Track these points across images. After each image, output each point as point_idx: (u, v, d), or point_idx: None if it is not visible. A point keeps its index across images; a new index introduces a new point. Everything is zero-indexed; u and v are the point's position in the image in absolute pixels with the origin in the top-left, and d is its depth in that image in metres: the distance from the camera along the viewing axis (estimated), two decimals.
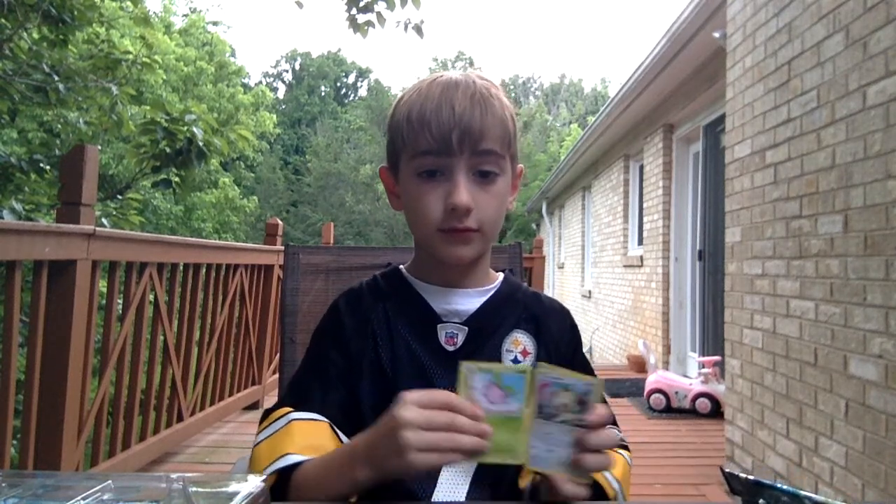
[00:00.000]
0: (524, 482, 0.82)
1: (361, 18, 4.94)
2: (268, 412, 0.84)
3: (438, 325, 0.85)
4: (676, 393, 4.34)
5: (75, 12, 4.79)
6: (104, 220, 4.11)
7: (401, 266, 0.93)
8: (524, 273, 1.34)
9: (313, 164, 26.39)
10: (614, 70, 59.84)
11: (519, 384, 0.66)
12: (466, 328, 0.86)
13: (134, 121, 5.78)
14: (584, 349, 1.00)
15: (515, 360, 0.87)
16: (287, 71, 36.34)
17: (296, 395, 0.84)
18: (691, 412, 4.26)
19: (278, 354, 3.41)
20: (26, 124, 12.96)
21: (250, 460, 0.80)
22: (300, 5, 4.98)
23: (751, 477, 0.62)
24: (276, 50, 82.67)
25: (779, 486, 0.61)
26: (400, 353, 0.84)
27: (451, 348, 0.85)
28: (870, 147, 2.13)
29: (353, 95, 36.04)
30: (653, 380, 4.51)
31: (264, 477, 0.73)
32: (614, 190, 7.74)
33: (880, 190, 2.07)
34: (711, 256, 4.99)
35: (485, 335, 0.87)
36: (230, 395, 3.77)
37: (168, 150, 4.47)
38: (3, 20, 4.41)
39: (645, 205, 6.35)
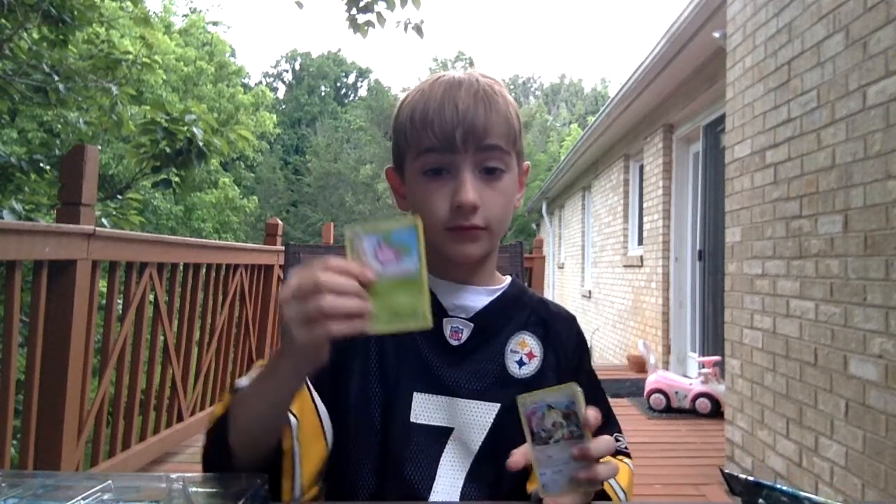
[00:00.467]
0: (532, 486, 0.82)
1: (361, 18, 4.94)
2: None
3: (444, 319, 0.85)
4: (676, 393, 4.34)
5: (75, 12, 4.80)
6: (104, 220, 4.12)
7: None
8: (524, 273, 1.34)
9: (313, 164, 26.38)
10: (614, 70, 59.87)
11: (411, 239, 0.62)
12: (472, 324, 0.85)
13: (134, 121, 5.78)
14: (587, 346, 0.99)
15: (521, 362, 0.87)
16: (287, 71, 36.36)
17: None
18: (691, 412, 4.26)
19: None
20: (26, 124, 12.96)
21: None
22: (300, 5, 4.98)
23: (750, 478, 0.62)
24: (276, 50, 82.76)
25: (778, 486, 0.61)
26: (404, 342, 0.84)
27: (455, 343, 0.84)
28: (870, 147, 2.13)
29: (353, 95, 36.04)
30: (653, 380, 4.51)
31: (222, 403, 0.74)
32: (614, 190, 7.74)
33: (880, 190, 2.07)
34: (711, 256, 4.99)
35: (490, 333, 0.86)
36: None
37: (168, 150, 4.47)
38: (3, 20, 4.41)
39: (645, 205, 6.35)
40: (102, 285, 2.72)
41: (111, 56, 5.31)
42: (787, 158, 2.69)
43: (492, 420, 0.82)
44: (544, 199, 13.22)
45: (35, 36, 4.92)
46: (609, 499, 0.77)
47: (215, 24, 23.06)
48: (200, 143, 4.49)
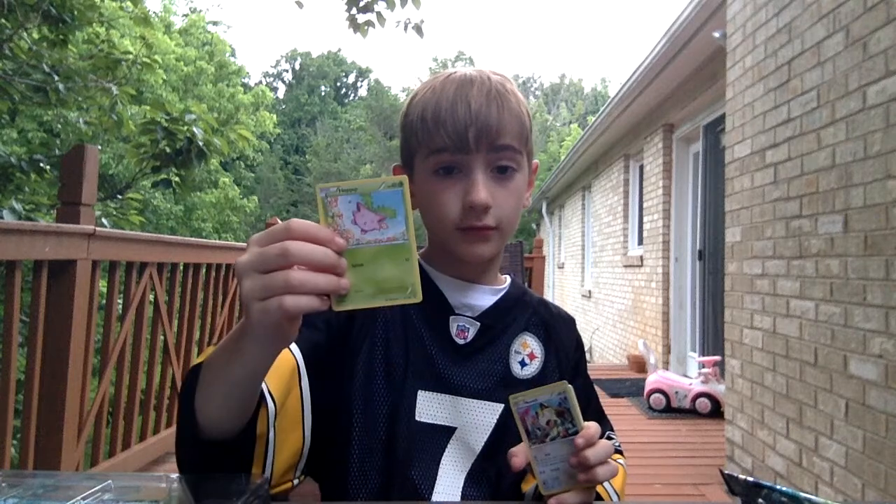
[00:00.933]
0: (527, 486, 0.82)
1: (361, 18, 4.94)
2: None
3: (451, 317, 0.85)
4: (676, 393, 4.34)
5: (75, 12, 4.80)
6: (104, 220, 4.12)
7: None
8: (524, 273, 1.34)
9: (313, 164, 26.39)
10: (614, 70, 59.89)
11: (396, 201, 0.53)
12: (479, 323, 0.85)
13: (134, 121, 5.79)
14: (584, 349, 1.00)
15: (523, 363, 0.87)
16: (287, 71, 36.36)
17: None
18: (691, 412, 4.26)
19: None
20: (26, 124, 12.96)
21: None
22: (300, 5, 4.98)
23: (750, 478, 0.62)
24: (276, 50, 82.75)
25: (778, 487, 0.61)
26: (410, 339, 0.83)
27: (461, 341, 0.84)
28: (870, 147, 2.13)
29: (353, 95, 36.05)
30: (653, 380, 4.51)
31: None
32: (614, 190, 7.74)
33: (880, 190, 2.07)
34: (711, 256, 4.99)
35: (495, 332, 0.87)
36: None
37: (168, 150, 4.47)
38: (3, 20, 4.41)
39: (645, 205, 6.35)
40: (102, 285, 2.72)
41: (111, 56, 5.30)
42: (787, 158, 2.69)
43: (495, 420, 0.82)
44: (544, 199, 13.22)
45: (35, 36, 4.92)
46: (601, 499, 0.77)
47: (215, 24, 23.09)
48: (200, 143, 4.49)
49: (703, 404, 4.22)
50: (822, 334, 2.38)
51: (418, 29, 5.06)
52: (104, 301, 2.63)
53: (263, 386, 0.67)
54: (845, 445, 2.22)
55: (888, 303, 2.01)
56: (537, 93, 33.89)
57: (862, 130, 2.18)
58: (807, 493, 0.61)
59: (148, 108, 4.81)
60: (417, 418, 0.80)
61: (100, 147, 10.75)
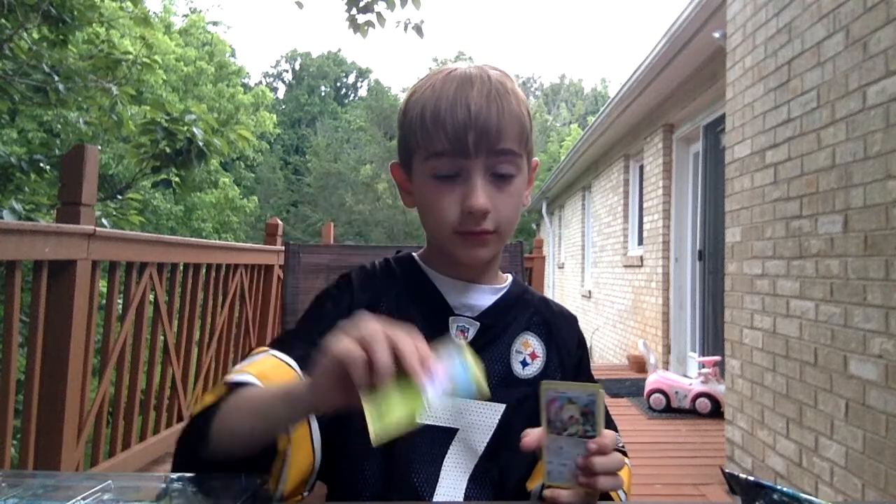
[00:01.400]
0: (532, 485, 0.82)
1: (361, 18, 4.94)
2: (251, 350, 0.82)
3: (451, 318, 0.85)
4: (676, 393, 4.33)
5: (75, 12, 4.80)
6: (104, 220, 4.11)
7: (413, 254, 0.92)
8: (524, 273, 1.34)
9: (313, 164, 26.38)
10: (614, 70, 59.87)
11: (469, 391, 0.59)
12: (478, 323, 0.85)
13: (134, 121, 5.78)
14: (587, 347, 0.99)
15: (524, 362, 0.86)
16: (287, 71, 36.36)
17: (279, 342, 0.82)
18: (691, 412, 4.26)
19: None
20: (26, 124, 12.96)
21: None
22: (300, 5, 4.98)
23: (751, 478, 0.62)
24: (276, 50, 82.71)
25: (779, 487, 0.61)
26: None
27: (461, 342, 0.84)
28: (870, 147, 2.13)
29: (353, 95, 36.04)
30: (653, 380, 4.51)
31: (213, 390, 0.72)
32: (614, 190, 7.74)
33: (880, 190, 2.07)
34: (711, 256, 4.98)
35: (496, 332, 0.86)
36: None
37: (168, 150, 4.47)
38: (3, 20, 4.41)
39: (645, 205, 6.35)
40: (102, 285, 2.72)
41: (111, 56, 5.30)
42: (787, 158, 2.69)
43: (497, 420, 0.82)
44: (544, 199, 13.22)
45: (35, 36, 4.92)
46: (609, 499, 0.77)
47: (215, 24, 23.08)
48: (200, 143, 4.48)
49: (703, 404, 4.22)
50: (822, 334, 2.38)
51: (418, 29, 5.06)
52: (104, 301, 2.63)
53: None
54: (845, 445, 2.22)
55: (888, 303, 2.01)
56: (537, 93, 33.89)
57: (862, 130, 2.18)
58: (807, 493, 0.61)
59: (148, 108, 4.81)
60: (417, 419, 0.80)
61: (100, 147, 10.74)
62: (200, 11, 22.62)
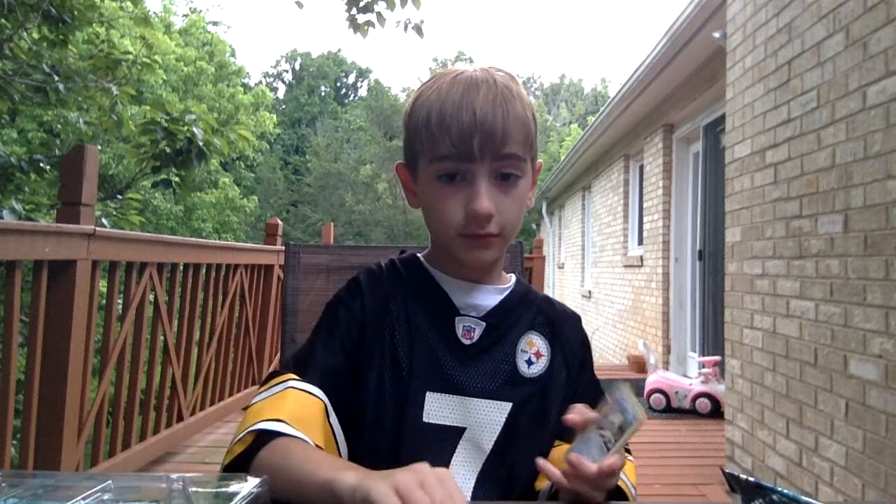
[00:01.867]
0: (542, 484, 0.82)
1: (361, 18, 4.94)
2: (271, 375, 0.82)
3: (456, 318, 0.85)
4: (676, 393, 4.34)
5: (75, 12, 4.80)
6: (104, 220, 4.11)
7: (418, 255, 0.92)
8: (525, 273, 1.34)
9: (313, 164, 26.38)
10: (614, 70, 59.83)
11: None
12: (484, 323, 0.86)
13: (134, 121, 5.78)
14: (590, 346, 0.99)
15: (529, 362, 0.87)
16: (287, 71, 36.35)
17: (298, 362, 0.82)
18: (691, 412, 4.26)
19: (278, 354, 3.41)
20: (26, 124, 12.96)
21: (243, 419, 0.78)
22: (300, 5, 4.99)
23: (751, 478, 0.62)
24: (276, 50, 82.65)
25: (779, 489, 0.61)
26: (417, 341, 0.83)
27: (467, 342, 0.84)
28: (870, 147, 2.13)
29: (353, 95, 36.04)
30: (653, 380, 4.51)
31: (241, 436, 0.73)
32: (614, 190, 7.74)
33: (880, 190, 2.07)
34: (711, 256, 4.98)
35: (501, 332, 0.87)
36: (230, 395, 3.77)
37: (168, 150, 4.46)
38: (3, 20, 4.41)
39: (645, 205, 6.35)
40: (102, 285, 2.72)
41: (111, 56, 5.30)
42: (787, 158, 2.69)
43: (504, 419, 0.82)
44: (544, 200, 13.22)
45: (35, 36, 4.92)
46: (625, 496, 0.78)
47: (215, 24, 23.07)
48: (200, 143, 4.48)
49: (703, 404, 4.22)
50: (822, 334, 2.38)
51: (418, 29, 5.06)
52: (104, 301, 2.63)
53: (310, 441, 0.74)
54: (845, 445, 2.22)
55: (888, 303, 2.01)
56: (537, 93, 33.89)
57: (862, 130, 2.18)
58: (807, 494, 0.61)
59: (148, 108, 4.80)
60: (425, 419, 0.80)
61: (100, 147, 10.74)
62: (200, 11, 22.62)
